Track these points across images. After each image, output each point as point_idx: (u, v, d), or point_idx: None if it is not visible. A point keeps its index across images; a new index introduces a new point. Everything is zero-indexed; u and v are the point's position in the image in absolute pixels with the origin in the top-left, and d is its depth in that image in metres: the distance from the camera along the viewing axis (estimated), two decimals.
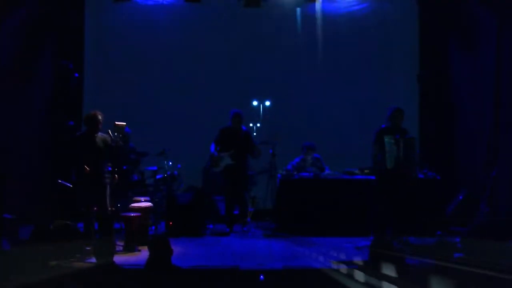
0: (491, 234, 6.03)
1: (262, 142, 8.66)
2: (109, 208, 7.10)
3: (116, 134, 7.16)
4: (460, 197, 8.40)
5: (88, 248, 6.68)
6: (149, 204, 7.82)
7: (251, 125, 9.14)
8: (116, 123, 7.23)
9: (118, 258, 5.67)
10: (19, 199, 8.10)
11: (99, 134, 7.13)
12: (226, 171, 8.46)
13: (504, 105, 8.09)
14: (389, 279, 4.57)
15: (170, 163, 8.85)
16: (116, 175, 7.26)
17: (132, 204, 7.71)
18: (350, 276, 5.16)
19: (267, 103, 9.72)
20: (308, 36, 10.16)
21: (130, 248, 7.16)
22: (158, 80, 10.08)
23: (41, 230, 6.71)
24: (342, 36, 10.13)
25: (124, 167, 8.35)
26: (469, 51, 9.11)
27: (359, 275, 4.99)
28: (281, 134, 8.83)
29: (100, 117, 7.05)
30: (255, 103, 9.68)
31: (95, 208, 7.01)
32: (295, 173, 8.65)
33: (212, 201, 9.15)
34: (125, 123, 7.38)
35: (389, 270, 4.62)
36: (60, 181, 8.11)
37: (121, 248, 7.17)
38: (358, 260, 6.29)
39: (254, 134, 8.93)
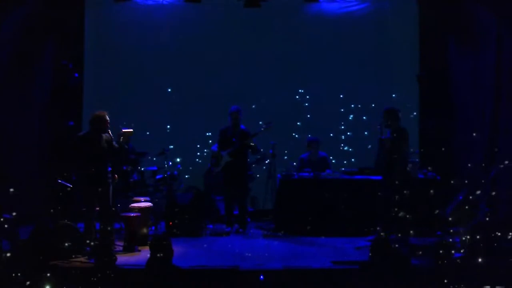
0: (491, 234, 6.03)
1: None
2: (111, 208, 7.11)
3: (122, 139, 7.17)
4: (460, 197, 8.38)
5: (88, 248, 6.69)
6: (149, 204, 7.82)
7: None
8: (124, 130, 7.24)
9: (118, 258, 5.66)
10: (19, 199, 8.09)
11: (104, 134, 7.13)
12: (225, 169, 8.46)
13: (504, 105, 8.09)
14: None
15: (170, 163, 8.85)
16: (116, 175, 7.28)
17: (132, 204, 7.71)
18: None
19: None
20: (308, 36, 10.15)
21: (130, 248, 7.16)
22: (158, 80, 10.06)
23: (41, 230, 6.71)
24: (341, 36, 10.12)
25: (124, 167, 8.34)
26: (469, 51, 9.11)
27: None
28: (280, 133, 8.79)
29: (107, 118, 7.03)
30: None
31: (97, 208, 7.01)
32: (295, 173, 8.63)
33: (212, 201, 9.15)
34: (132, 130, 7.38)
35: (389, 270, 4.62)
36: (60, 181, 8.10)
37: (121, 248, 7.18)
38: (358, 260, 6.31)
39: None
